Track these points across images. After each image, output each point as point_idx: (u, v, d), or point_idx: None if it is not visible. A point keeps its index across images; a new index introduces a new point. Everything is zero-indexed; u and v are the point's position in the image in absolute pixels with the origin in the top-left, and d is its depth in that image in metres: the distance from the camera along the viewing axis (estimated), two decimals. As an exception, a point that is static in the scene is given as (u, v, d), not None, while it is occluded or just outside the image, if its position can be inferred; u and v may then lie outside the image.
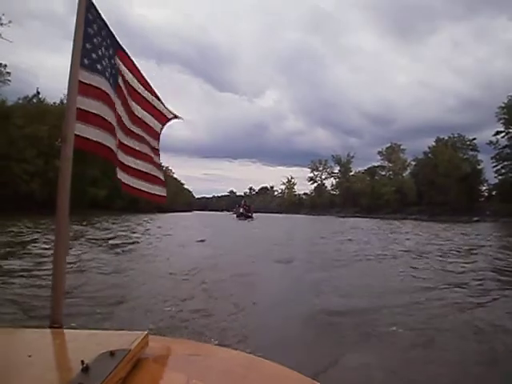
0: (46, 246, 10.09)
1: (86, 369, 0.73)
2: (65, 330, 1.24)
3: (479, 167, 69.16)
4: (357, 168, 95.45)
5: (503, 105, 60.11)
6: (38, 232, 15.08)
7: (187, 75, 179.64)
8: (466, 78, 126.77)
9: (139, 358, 0.89)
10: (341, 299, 5.91)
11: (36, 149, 34.08)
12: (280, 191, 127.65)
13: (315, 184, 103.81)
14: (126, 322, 4.48)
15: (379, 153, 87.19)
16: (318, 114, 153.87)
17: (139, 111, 1.80)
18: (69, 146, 1.38)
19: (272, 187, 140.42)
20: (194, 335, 4.03)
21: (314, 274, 8.21)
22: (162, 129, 1.96)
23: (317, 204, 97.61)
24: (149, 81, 1.83)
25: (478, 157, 69.64)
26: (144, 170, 1.85)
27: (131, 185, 1.79)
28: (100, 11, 1.50)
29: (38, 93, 43.05)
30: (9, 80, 35.08)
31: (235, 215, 50.14)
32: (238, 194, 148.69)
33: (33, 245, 10.96)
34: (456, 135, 72.83)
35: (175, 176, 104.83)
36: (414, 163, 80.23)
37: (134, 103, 1.76)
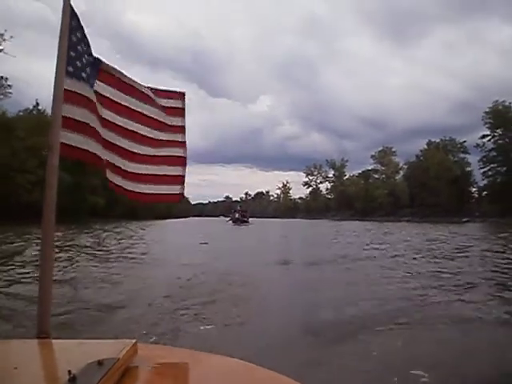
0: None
1: (72, 379, 0.70)
2: (52, 341, 1.20)
3: (469, 169, 69.99)
4: (352, 171, 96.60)
5: (488, 109, 61.02)
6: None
7: (181, 81, 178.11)
8: (458, 80, 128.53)
9: (128, 367, 0.86)
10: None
11: (37, 159, 34.18)
12: (276, 196, 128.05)
13: (310, 188, 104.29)
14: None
15: (372, 156, 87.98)
16: (313, 119, 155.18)
17: (144, 108, 1.75)
18: (55, 154, 1.34)
19: (268, 192, 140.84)
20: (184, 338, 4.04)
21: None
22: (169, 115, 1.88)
23: (312, 208, 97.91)
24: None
25: (470, 159, 70.46)
26: (154, 172, 1.78)
27: (138, 191, 1.73)
28: (81, 21, 1.48)
29: (38, 104, 43.01)
30: (10, 93, 35.28)
31: (231, 221, 50.01)
32: (234, 199, 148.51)
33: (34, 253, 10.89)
34: (447, 138, 73.95)
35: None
36: (406, 166, 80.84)
37: (139, 102, 1.73)
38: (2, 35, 30.57)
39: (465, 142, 71.10)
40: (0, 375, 0.79)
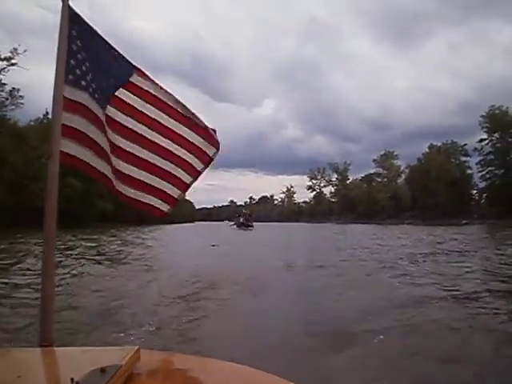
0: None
1: None
2: (55, 348, 1.19)
3: (470, 172, 69.65)
4: (356, 175, 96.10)
5: (485, 114, 60.93)
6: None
7: (183, 86, 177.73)
8: (463, 82, 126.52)
9: (131, 373, 0.85)
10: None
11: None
12: (280, 200, 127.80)
13: (314, 192, 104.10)
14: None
15: (374, 161, 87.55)
16: (316, 122, 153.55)
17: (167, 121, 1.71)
18: (55, 162, 1.33)
19: (272, 196, 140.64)
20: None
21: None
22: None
23: (316, 212, 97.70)
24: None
25: (470, 162, 69.86)
26: (148, 181, 1.74)
27: (132, 196, 1.70)
28: (95, 29, 1.46)
29: (47, 113, 43.46)
30: (21, 103, 35.67)
31: (235, 225, 49.85)
32: (238, 203, 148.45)
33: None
34: (449, 141, 73.69)
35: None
36: (407, 170, 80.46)
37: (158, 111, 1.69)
38: (15, 49, 31.22)
39: (465, 145, 70.84)
40: (4, 383, 0.78)
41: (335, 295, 6.46)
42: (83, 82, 1.42)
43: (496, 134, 60.64)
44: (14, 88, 34.54)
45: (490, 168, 62.08)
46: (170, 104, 1.71)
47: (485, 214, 57.39)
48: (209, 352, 3.25)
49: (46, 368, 0.97)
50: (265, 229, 44.70)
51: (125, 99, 1.60)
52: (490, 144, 61.68)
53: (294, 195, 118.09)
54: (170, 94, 1.72)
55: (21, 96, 35.37)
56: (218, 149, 1.89)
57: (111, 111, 1.57)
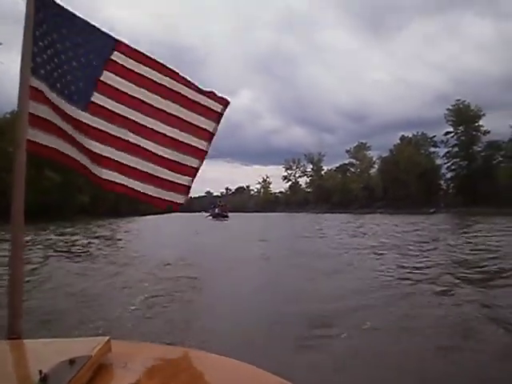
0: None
1: (44, 378, 0.68)
2: (23, 341, 1.15)
3: (438, 163, 71.62)
4: (331, 165, 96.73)
5: (451, 107, 62.93)
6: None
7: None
8: (437, 73, 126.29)
9: (101, 364, 0.83)
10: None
11: (28, 160, 33.18)
12: (256, 190, 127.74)
13: (290, 182, 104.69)
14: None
15: (347, 151, 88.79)
16: (294, 113, 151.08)
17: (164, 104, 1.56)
18: (22, 151, 1.28)
19: (248, 186, 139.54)
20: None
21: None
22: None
23: (292, 202, 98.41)
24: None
25: (439, 152, 71.44)
26: (153, 172, 1.58)
27: (129, 186, 1.54)
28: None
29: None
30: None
31: (211, 216, 49.47)
32: (214, 194, 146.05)
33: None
34: (419, 133, 75.25)
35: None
36: (379, 161, 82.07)
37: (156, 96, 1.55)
38: None
39: (434, 136, 72.29)
40: None
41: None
42: (42, 71, 1.33)
43: (461, 127, 62.77)
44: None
45: (455, 160, 64.43)
46: (157, 80, 1.55)
47: (451, 202, 59.74)
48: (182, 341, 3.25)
49: (14, 361, 0.95)
50: (239, 219, 44.84)
51: (110, 83, 1.47)
52: (455, 137, 63.92)
53: (270, 185, 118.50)
54: (158, 63, 1.56)
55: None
56: (226, 103, 1.73)
57: (98, 97, 1.45)
